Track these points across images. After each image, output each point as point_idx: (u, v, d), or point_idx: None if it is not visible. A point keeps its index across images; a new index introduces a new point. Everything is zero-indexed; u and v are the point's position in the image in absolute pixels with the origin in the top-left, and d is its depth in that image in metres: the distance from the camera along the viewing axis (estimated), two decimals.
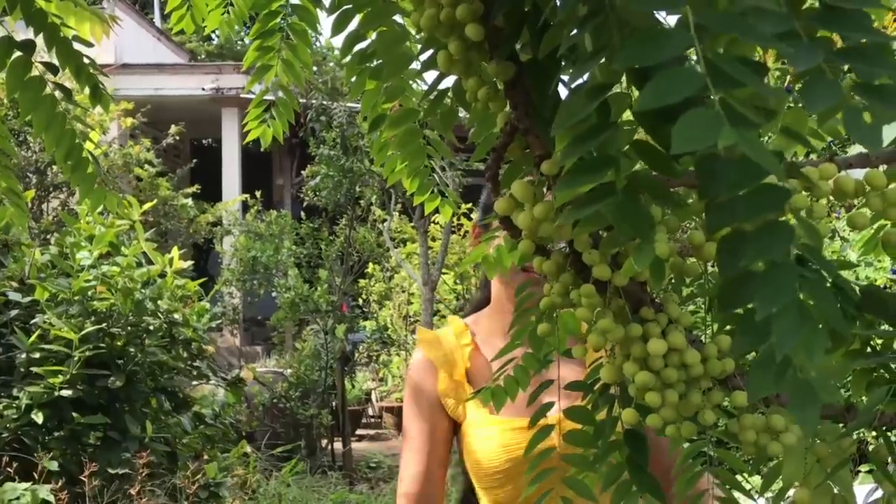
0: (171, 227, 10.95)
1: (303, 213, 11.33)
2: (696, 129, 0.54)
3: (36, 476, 4.22)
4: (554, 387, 1.27)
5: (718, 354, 0.83)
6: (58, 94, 1.88)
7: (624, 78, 0.71)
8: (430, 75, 1.20)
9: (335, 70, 10.49)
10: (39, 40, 1.80)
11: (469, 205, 11.78)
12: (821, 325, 0.57)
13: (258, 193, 11.83)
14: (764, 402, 0.82)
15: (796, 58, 0.54)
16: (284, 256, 10.84)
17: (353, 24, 1.18)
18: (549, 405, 1.06)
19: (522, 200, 0.85)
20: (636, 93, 0.69)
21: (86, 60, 1.88)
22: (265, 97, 2.05)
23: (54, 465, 4.30)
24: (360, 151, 9.44)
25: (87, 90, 1.92)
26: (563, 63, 0.79)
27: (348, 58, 1.27)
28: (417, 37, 1.15)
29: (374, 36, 1.19)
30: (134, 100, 10.55)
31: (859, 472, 5.69)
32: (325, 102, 10.04)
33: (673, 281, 0.87)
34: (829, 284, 0.61)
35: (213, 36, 24.24)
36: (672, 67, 0.56)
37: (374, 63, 1.25)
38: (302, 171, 12.63)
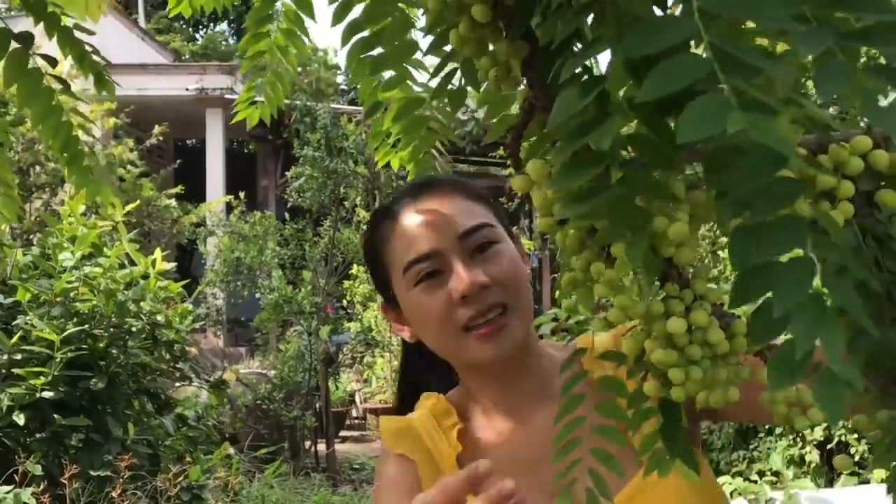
0: (154, 227, 10.91)
1: (287, 215, 11.31)
2: (704, 116, 0.52)
3: (17, 478, 4.18)
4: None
5: (747, 331, 0.80)
6: (55, 85, 1.88)
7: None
8: (432, 62, 1.19)
9: (320, 71, 10.47)
10: (39, 30, 1.80)
11: None
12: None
13: (242, 194, 11.80)
14: None
15: (804, 41, 0.53)
16: (268, 257, 10.81)
17: (354, 13, 1.18)
18: (584, 373, 1.01)
19: (536, 180, 0.83)
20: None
21: (87, 48, 1.88)
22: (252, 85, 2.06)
23: (38, 470, 4.26)
24: (345, 153, 9.42)
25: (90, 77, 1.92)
26: (574, 44, 0.78)
27: (348, 46, 1.26)
28: (420, 24, 1.14)
29: (376, 27, 1.18)
30: (117, 99, 10.50)
31: (840, 473, 5.70)
32: (309, 103, 10.03)
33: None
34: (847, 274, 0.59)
35: (197, 36, 24.21)
36: (677, 55, 0.54)
37: (376, 52, 1.24)
38: (286, 173, 12.58)
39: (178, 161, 12.64)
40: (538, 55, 0.83)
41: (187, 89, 13.77)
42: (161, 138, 11.08)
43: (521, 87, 0.88)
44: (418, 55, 1.13)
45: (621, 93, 0.70)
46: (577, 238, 0.84)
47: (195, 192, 12.80)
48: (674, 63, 0.54)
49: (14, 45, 1.79)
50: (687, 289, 0.81)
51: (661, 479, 1.03)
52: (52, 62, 1.85)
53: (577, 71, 0.68)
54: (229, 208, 12.33)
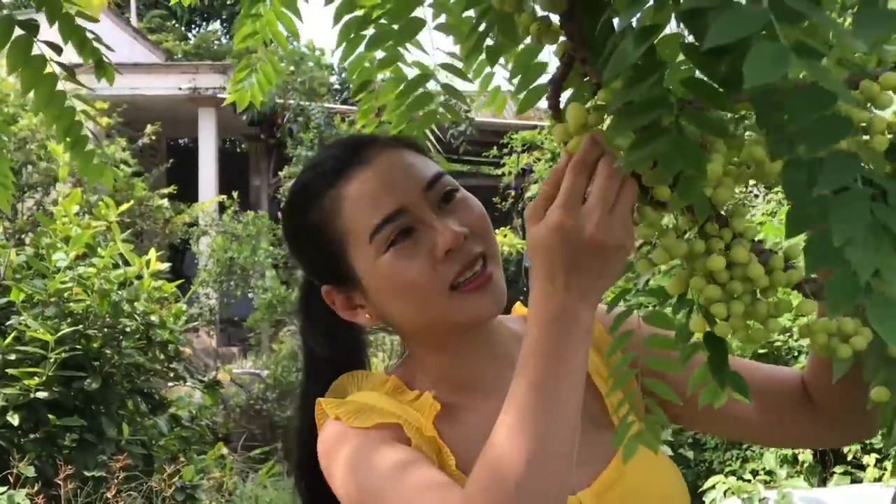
0: (146, 227, 10.88)
1: (280, 214, 11.31)
2: (768, 61, 0.56)
3: (11, 479, 4.18)
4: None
5: (785, 265, 0.84)
6: (59, 71, 1.89)
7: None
8: (428, 41, 1.21)
9: (313, 70, 10.46)
10: (41, 17, 1.80)
11: None
12: None
13: (235, 194, 11.78)
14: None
15: None
16: (261, 257, 10.80)
17: None
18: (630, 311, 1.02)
19: (576, 123, 0.87)
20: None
21: (89, 35, 1.88)
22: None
23: (31, 472, 4.26)
24: None
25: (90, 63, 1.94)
26: None
27: (339, 24, 1.28)
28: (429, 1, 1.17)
29: (370, 4, 1.20)
30: (110, 99, 10.48)
31: (834, 473, 5.72)
32: (302, 103, 10.03)
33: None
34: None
35: (189, 35, 24.17)
36: (734, 4, 0.59)
37: (370, 31, 1.25)
38: (279, 172, 12.57)
39: (171, 160, 12.61)
40: (577, 8, 0.86)
41: (180, 88, 13.73)
42: (154, 138, 11.06)
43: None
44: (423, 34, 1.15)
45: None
46: None
47: (188, 192, 12.76)
48: (733, 13, 0.58)
49: (18, 31, 1.79)
50: (726, 227, 0.84)
51: (640, 460, 1.04)
52: (57, 49, 1.85)
53: (629, 24, 0.73)
54: (222, 208, 12.31)
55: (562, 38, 0.90)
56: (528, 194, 11.38)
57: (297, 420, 1.39)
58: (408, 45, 1.38)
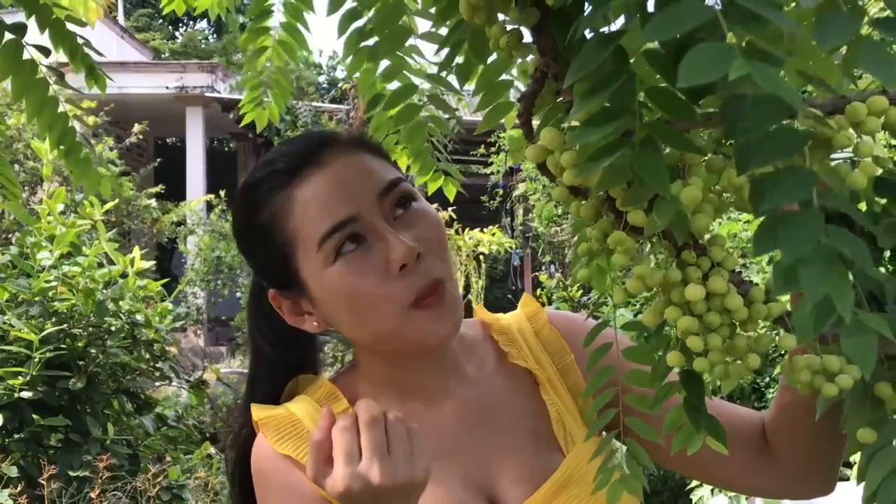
0: (134, 226, 10.85)
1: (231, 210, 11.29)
2: (706, 61, 0.53)
3: None
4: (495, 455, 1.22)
5: (765, 298, 0.80)
6: (50, 76, 1.84)
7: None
8: (428, 49, 1.19)
9: (301, 69, 10.43)
10: (32, 23, 1.76)
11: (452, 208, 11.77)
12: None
13: (223, 193, 11.76)
14: (820, 341, 0.78)
15: None
16: None
17: (350, 2, 1.17)
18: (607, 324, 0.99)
19: (550, 147, 0.81)
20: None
21: (80, 41, 1.83)
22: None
23: (14, 472, 4.24)
24: None
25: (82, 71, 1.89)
26: (585, 8, 0.78)
27: (344, 36, 1.26)
28: (418, 7, 1.14)
29: (371, 13, 1.17)
30: (97, 98, 10.45)
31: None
32: (290, 101, 10.00)
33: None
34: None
35: (177, 34, 24.13)
36: (684, 1, 0.55)
37: (371, 42, 1.22)
38: None
39: (159, 159, 12.59)
40: (549, 21, 0.82)
41: (167, 87, 13.72)
42: (141, 137, 11.03)
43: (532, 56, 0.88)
44: (415, 41, 1.12)
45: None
46: (592, 207, 0.83)
47: (176, 191, 12.74)
48: (679, 8, 0.54)
49: (8, 36, 1.72)
50: (704, 256, 0.80)
51: (591, 466, 1.02)
52: (45, 52, 1.79)
53: (595, 27, 0.69)
54: (210, 207, 12.30)
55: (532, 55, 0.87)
56: (516, 192, 11.39)
57: (239, 419, 1.35)
58: (413, 54, 1.35)
